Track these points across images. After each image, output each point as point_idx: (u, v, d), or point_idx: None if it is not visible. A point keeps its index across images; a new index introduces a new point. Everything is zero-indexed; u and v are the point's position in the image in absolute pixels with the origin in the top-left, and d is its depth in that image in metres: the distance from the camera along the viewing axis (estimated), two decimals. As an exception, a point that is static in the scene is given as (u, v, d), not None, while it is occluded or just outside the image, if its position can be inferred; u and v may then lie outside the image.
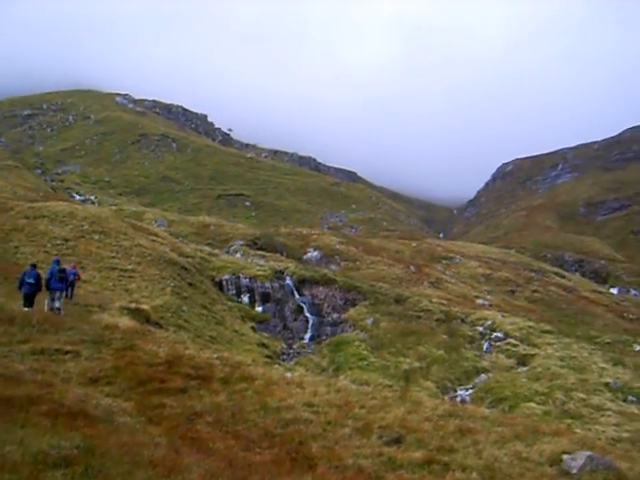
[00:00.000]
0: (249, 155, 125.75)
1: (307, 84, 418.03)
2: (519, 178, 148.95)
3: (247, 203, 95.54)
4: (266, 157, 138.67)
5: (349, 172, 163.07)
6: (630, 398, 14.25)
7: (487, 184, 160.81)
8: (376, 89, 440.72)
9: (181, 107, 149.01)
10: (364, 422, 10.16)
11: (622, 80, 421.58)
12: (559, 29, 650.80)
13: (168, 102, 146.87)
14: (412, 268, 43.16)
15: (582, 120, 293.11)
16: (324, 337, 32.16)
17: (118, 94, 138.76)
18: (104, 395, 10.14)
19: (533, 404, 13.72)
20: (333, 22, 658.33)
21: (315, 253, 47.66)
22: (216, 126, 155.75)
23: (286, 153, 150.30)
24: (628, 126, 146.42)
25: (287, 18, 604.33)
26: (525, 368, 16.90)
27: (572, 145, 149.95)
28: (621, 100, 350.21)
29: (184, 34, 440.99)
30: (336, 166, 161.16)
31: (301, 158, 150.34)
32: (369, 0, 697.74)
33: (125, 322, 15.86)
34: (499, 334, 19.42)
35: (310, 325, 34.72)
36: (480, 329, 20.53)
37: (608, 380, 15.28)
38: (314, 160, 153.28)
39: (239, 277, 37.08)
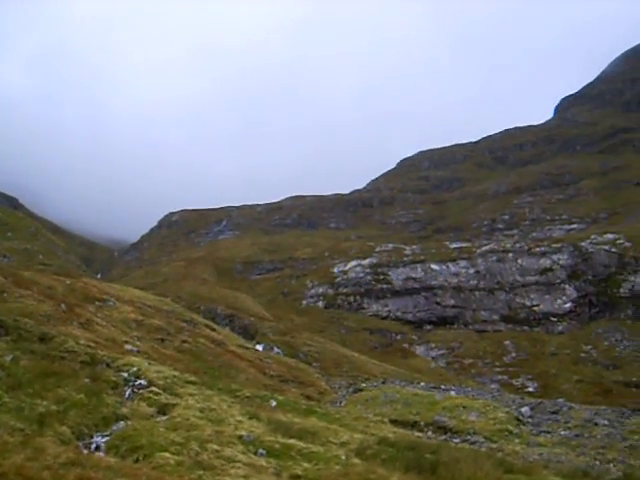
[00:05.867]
0: None
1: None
2: (184, 229, 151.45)
3: None
4: None
5: (10, 197, 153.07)
6: (260, 451, 14.75)
7: (152, 230, 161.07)
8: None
9: None
10: (-22, 469, 9.30)
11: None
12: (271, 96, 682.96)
13: None
14: (63, 306, 41.26)
15: (249, 182, 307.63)
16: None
17: None
18: None
19: (168, 454, 13.58)
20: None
21: (-44, 280, 43.51)
22: None
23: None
24: (289, 195, 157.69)
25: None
26: (165, 417, 16.78)
27: (237, 204, 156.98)
28: (281, 167, 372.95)
29: None
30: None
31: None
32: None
33: None
34: (143, 381, 19.14)
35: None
36: (125, 375, 20.08)
37: (242, 433, 15.72)
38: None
39: None
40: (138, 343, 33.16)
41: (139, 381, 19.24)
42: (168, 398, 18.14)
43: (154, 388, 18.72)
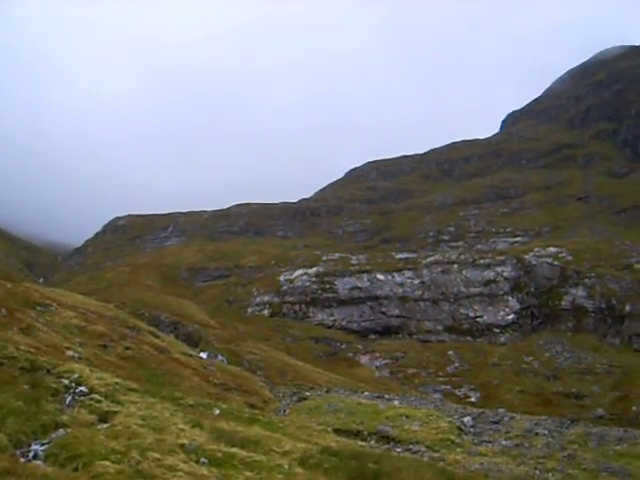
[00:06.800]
0: None
1: None
2: (129, 234, 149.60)
3: None
4: None
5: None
6: (202, 460, 14.59)
7: (97, 235, 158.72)
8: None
9: None
10: None
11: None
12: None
13: None
14: (3, 311, 40.35)
15: (195, 188, 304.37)
16: None
17: None
18: None
19: (108, 462, 13.32)
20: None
21: None
22: None
23: None
24: (236, 202, 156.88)
25: None
26: (105, 425, 16.49)
27: (184, 211, 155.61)
28: (228, 174, 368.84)
29: None
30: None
31: None
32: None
33: None
34: (84, 388, 18.79)
35: None
36: (65, 382, 19.69)
37: (185, 441, 15.52)
38: None
39: None
40: (80, 349, 32.57)
41: (80, 388, 18.88)
42: (109, 405, 17.84)
43: (95, 395, 18.40)
